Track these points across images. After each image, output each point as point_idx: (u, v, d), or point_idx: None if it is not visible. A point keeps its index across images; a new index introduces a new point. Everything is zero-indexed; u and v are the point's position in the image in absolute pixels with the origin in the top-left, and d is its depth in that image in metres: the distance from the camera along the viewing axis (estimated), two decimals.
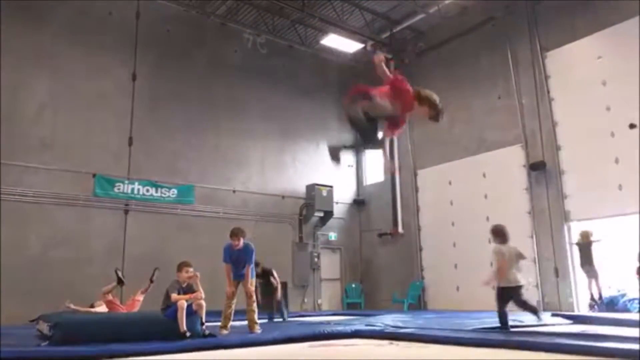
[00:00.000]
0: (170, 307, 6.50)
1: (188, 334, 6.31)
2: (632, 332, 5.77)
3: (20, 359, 4.95)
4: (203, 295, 6.67)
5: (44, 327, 6.24)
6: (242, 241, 7.37)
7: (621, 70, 11.01)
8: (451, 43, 14.52)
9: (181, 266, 6.74)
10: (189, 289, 6.69)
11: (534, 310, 6.41)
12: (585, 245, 10.53)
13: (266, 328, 7.61)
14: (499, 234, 6.34)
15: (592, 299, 10.53)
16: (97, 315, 7.97)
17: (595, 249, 10.46)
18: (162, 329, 6.34)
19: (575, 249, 11.10)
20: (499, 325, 6.38)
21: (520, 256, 6.40)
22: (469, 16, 14.07)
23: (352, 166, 17.20)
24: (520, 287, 6.28)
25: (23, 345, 5.73)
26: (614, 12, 11.20)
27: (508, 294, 6.26)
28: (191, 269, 6.77)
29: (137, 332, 6.13)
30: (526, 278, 7.00)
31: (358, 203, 16.85)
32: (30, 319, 8.12)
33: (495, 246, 6.33)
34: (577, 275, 11.28)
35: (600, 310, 10.08)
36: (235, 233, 7.38)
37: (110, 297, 8.95)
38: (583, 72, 11.83)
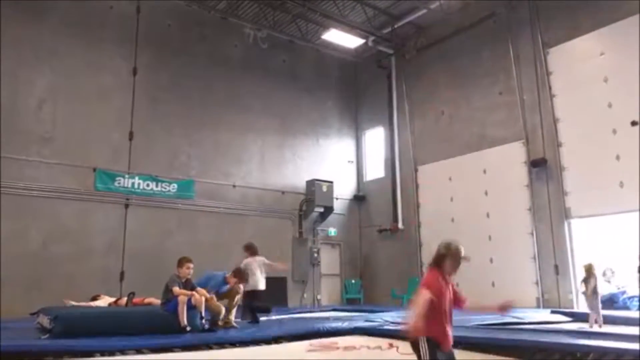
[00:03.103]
0: (170, 302, 6.51)
1: (188, 328, 6.32)
2: (631, 330, 5.77)
3: (20, 352, 4.95)
4: (208, 295, 6.69)
5: (45, 320, 6.24)
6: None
7: (623, 68, 10.97)
8: (452, 39, 14.47)
9: (182, 261, 6.75)
10: (188, 284, 6.70)
11: (264, 309, 7.74)
12: (589, 279, 9.75)
13: (267, 324, 7.62)
14: (251, 248, 7.50)
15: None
16: (97, 309, 8.01)
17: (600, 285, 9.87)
18: (162, 323, 6.34)
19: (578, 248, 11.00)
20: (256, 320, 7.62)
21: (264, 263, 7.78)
22: (470, 12, 14.02)
23: (352, 162, 17.18)
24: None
25: (23, 338, 5.74)
26: (616, 9, 11.14)
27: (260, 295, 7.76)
28: (192, 264, 6.78)
29: (137, 326, 6.14)
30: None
31: (358, 199, 16.84)
32: (30, 312, 8.14)
33: (248, 259, 7.45)
34: (577, 272, 11.25)
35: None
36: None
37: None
38: (585, 68, 11.79)
